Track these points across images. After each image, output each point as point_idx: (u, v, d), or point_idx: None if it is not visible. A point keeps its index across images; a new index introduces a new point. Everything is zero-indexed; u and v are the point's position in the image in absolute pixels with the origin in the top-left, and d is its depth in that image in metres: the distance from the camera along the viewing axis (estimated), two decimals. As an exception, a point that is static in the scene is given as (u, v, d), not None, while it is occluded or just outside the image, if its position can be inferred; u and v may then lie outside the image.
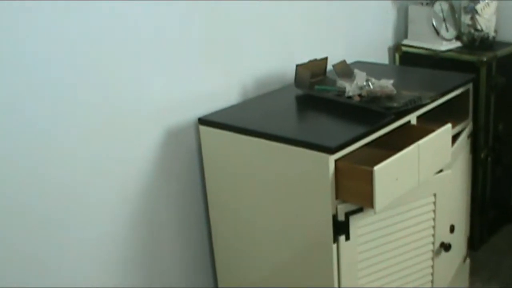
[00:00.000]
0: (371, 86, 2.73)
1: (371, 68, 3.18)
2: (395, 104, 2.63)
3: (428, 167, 2.55)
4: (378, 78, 2.77)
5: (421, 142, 2.47)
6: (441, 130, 2.58)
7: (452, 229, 2.86)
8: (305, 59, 2.97)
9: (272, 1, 2.99)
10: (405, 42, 3.69)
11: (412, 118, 2.69)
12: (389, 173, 2.32)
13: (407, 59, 3.65)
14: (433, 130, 2.56)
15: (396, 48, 3.69)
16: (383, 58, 3.69)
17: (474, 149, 3.40)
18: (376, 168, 2.26)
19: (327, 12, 3.29)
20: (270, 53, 3.04)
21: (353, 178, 2.34)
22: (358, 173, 2.32)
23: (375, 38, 3.63)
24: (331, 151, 2.32)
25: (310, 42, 3.22)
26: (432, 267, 2.79)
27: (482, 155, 3.48)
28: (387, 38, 3.71)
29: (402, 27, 3.75)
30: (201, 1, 2.69)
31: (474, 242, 3.58)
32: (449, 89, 2.92)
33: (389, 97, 2.69)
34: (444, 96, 2.88)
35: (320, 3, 3.23)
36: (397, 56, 3.69)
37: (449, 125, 2.63)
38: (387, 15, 3.69)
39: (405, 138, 2.56)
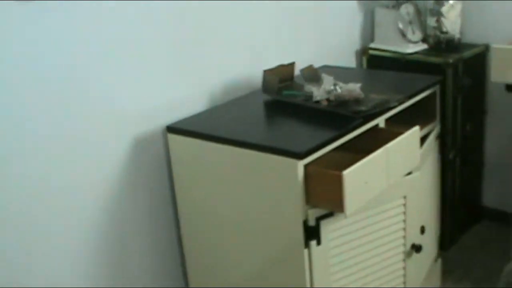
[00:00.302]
0: (339, 90, 2.74)
1: (339, 72, 3.18)
2: (363, 108, 2.64)
3: (397, 170, 2.56)
4: (346, 82, 2.79)
5: (389, 145, 2.48)
6: (409, 133, 2.59)
7: (422, 230, 2.87)
8: (273, 64, 2.96)
9: (240, 7, 2.99)
10: (372, 45, 3.71)
11: (381, 121, 2.70)
12: (358, 177, 2.33)
13: (375, 62, 3.66)
14: (401, 133, 2.58)
15: (363, 51, 3.70)
16: (350, 61, 3.70)
17: (443, 150, 3.42)
18: (345, 172, 2.27)
19: (294, 17, 3.30)
20: (238, 59, 3.04)
21: (323, 183, 2.34)
22: (327, 177, 2.33)
23: (342, 42, 3.64)
24: (300, 156, 2.32)
25: (277, 47, 3.22)
26: (404, 268, 2.81)
27: (451, 156, 3.50)
28: (354, 41, 3.72)
29: (369, 31, 3.76)
30: (167, 8, 2.68)
31: (445, 242, 3.60)
32: (416, 92, 2.94)
33: (357, 101, 2.70)
34: (412, 98, 2.90)
35: (287, 8, 3.24)
36: (364, 59, 3.70)
37: (417, 128, 2.64)
38: (354, 18, 3.70)
39: (374, 141, 2.57)
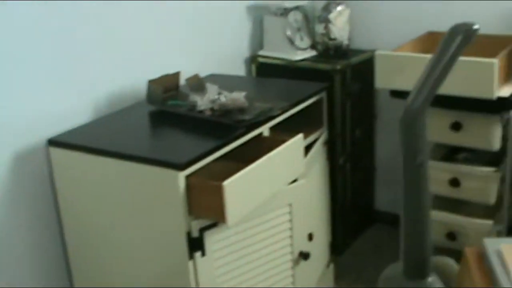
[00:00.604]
0: (223, 99, 2.73)
1: (227, 80, 3.18)
2: (246, 117, 2.63)
3: (281, 178, 2.57)
4: (234, 90, 2.78)
5: (272, 153, 2.48)
6: (292, 141, 2.60)
7: (310, 237, 2.89)
8: (158, 74, 2.94)
9: (123, 16, 2.95)
10: (261, 52, 3.71)
11: (265, 129, 2.70)
12: (240, 187, 2.33)
13: (264, 70, 3.67)
14: (284, 141, 2.58)
15: (252, 59, 3.70)
16: (240, 69, 3.70)
17: (333, 156, 3.45)
18: (225, 183, 2.26)
19: (181, 25, 3.27)
20: (122, 69, 3.00)
21: (205, 194, 2.33)
22: (209, 188, 2.31)
23: (231, 50, 3.63)
24: (180, 167, 2.30)
25: (164, 56, 3.19)
26: (293, 276, 2.82)
27: (341, 161, 3.53)
28: (243, 49, 3.71)
29: (258, 38, 3.76)
30: (49, 18, 2.62)
31: (338, 247, 3.63)
32: (302, 99, 2.96)
33: (241, 110, 2.70)
34: (297, 106, 2.92)
35: (173, 16, 3.21)
36: (253, 67, 3.69)
37: (300, 135, 2.66)
38: (243, 26, 3.69)
39: (258, 150, 2.56)
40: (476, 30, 1.55)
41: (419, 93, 1.54)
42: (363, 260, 3.69)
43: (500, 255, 1.58)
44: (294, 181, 2.73)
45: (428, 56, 2.84)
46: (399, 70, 2.92)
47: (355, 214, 3.79)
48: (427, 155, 1.59)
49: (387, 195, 3.94)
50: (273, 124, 2.76)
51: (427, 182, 1.61)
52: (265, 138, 2.69)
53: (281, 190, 2.61)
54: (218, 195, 2.28)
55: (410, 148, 1.57)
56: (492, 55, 2.85)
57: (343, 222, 3.66)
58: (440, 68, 1.53)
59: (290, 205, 2.70)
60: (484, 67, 2.77)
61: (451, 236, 3.19)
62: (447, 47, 1.53)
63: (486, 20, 3.40)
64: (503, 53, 2.91)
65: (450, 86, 2.81)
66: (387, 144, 3.85)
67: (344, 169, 3.60)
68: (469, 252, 1.93)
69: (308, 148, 3.00)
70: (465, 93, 2.84)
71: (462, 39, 1.53)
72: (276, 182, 2.52)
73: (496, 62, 2.75)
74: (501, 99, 2.83)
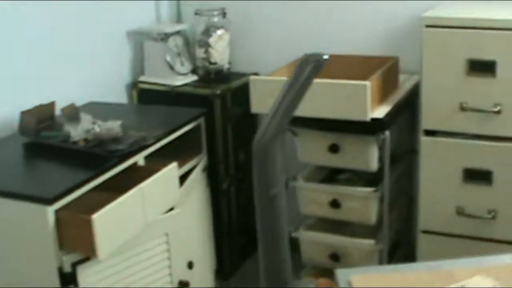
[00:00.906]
0: (97, 129, 2.69)
1: (106, 108, 3.14)
2: (120, 147, 2.60)
3: (155, 208, 2.54)
4: (113, 118, 2.74)
5: (143, 184, 2.46)
6: (165, 170, 2.58)
7: (190, 265, 2.86)
8: (34, 103, 2.86)
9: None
10: (142, 79, 3.66)
11: (139, 159, 2.67)
12: (111, 219, 2.29)
13: (146, 96, 3.62)
14: (157, 170, 2.56)
15: (133, 85, 3.65)
16: (121, 96, 3.64)
17: (216, 181, 3.43)
18: (94, 216, 2.22)
19: (55, 53, 3.18)
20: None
21: (75, 227, 2.29)
22: (78, 222, 2.27)
23: (111, 77, 3.57)
24: (48, 202, 2.25)
25: (38, 86, 3.09)
26: (174, 305, 2.79)
27: (225, 186, 3.52)
28: (124, 75, 3.66)
29: (139, 64, 3.72)
30: None
31: (225, 272, 3.61)
32: (178, 126, 2.93)
33: (116, 139, 2.66)
34: (173, 133, 2.89)
35: (47, 44, 3.13)
36: (134, 93, 3.64)
37: (174, 164, 2.64)
38: (123, 52, 3.64)
39: (132, 180, 2.53)
40: (326, 59, 1.56)
41: (269, 124, 1.54)
42: (251, 283, 3.67)
43: (350, 286, 1.59)
44: (171, 209, 2.69)
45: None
46: (273, 94, 2.92)
47: (242, 237, 3.77)
48: (281, 187, 1.58)
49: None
50: (149, 153, 2.73)
51: (282, 214, 1.60)
52: (140, 167, 2.66)
53: (157, 220, 2.58)
54: (87, 228, 2.24)
55: (262, 180, 1.55)
56: (368, 76, 2.89)
57: (229, 246, 3.64)
58: (290, 98, 1.53)
59: (166, 234, 2.68)
60: (356, 89, 2.81)
61: (335, 257, 3.21)
62: (297, 77, 1.54)
63: (362, 42, 3.48)
64: (376, 75, 2.95)
65: (325, 109, 2.87)
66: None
67: (229, 193, 3.59)
68: (323, 283, 1.95)
69: (188, 174, 2.98)
70: (340, 115, 2.88)
71: (313, 69, 1.54)
72: (150, 212, 2.50)
73: (368, 84, 2.79)
74: (375, 120, 2.86)
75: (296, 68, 1.54)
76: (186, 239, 2.83)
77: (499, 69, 2.72)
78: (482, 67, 2.75)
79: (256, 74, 3.59)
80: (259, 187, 1.55)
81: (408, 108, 3.24)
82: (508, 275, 1.65)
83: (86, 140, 2.68)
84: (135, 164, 2.65)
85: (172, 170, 2.61)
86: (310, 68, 1.53)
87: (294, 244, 3.26)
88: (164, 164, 2.61)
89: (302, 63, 1.54)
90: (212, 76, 3.61)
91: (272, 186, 1.54)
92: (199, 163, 3.12)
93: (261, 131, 1.54)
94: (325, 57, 1.55)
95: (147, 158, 2.73)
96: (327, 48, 3.48)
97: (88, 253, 2.33)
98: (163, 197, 2.58)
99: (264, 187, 1.54)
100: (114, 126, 2.69)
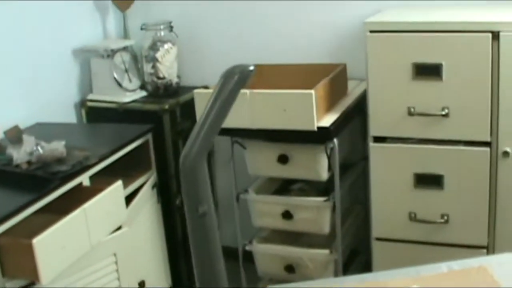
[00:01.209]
0: (41, 151, 2.63)
1: (53, 129, 3.09)
2: (63, 168, 2.55)
3: (100, 228, 2.50)
4: (60, 139, 2.69)
5: (87, 205, 2.41)
6: (110, 189, 2.54)
7: (142, 284, 2.82)
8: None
9: None
10: (90, 97, 3.60)
11: (84, 179, 2.62)
12: (53, 242, 2.25)
13: (95, 115, 3.56)
14: (101, 190, 2.51)
15: (82, 104, 3.59)
16: (70, 116, 3.58)
17: (169, 197, 3.39)
18: (35, 240, 2.18)
19: (1, 73, 3.12)
20: None
21: (17, 253, 2.24)
22: (19, 247, 2.22)
23: (59, 96, 3.50)
24: (-13, 228, 2.20)
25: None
26: (127, 325, 2.74)
27: (177, 202, 3.47)
28: (72, 94, 3.59)
29: (87, 82, 3.66)
30: None
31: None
32: (124, 143, 2.89)
33: (60, 160, 2.61)
34: (119, 151, 2.85)
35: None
36: (83, 112, 3.58)
37: (119, 183, 2.59)
38: (70, 70, 3.58)
39: (76, 201, 2.48)
40: (251, 71, 1.52)
41: (196, 139, 1.50)
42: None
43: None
44: (118, 228, 2.65)
45: (247, 91, 2.86)
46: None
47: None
48: (210, 205, 1.54)
49: (229, 230, 3.90)
50: (95, 172, 2.68)
51: (214, 232, 1.56)
52: (84, 188, 2.61)
53: (103, 240, 2.53)
54: (29, 253, 2.19)
55: (191, 198, 1.51)
56: (316, 84, 2.87)
57: (186, 262, 3.59)
58: (215, 112, 1.49)
59: (114, 254, 2.63)
60: (302, 99, 2.79)
61: (290, 268, 3.18)
62: (222, 89, 1.50)
63: (311, 50, 3.47)
64: (322, 83, 2.93)
65: (272, 120, 2.85)
66: (226, 180, 3.81)
67: (182, 210, 3.53)
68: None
69: (138, 192, 2.95)
70: (287, 125, 2.85)
71: (238, 80, 1.50)
72: (95, 233, 2.45)
73: (313, 93, 2.76)
74: (323, 129, 2.84)
75: (220, 80, 1.50)
76: (137, 258, 2.79)
77: (445, 72, 2.71)
78: (428, 71, 2.74)
79: (206, 87, 3.53)
80: (188, 204, 1.51)
81: (359, 114, 3.21)
82: (443, 283, 1.63)
83: (29, 162, 2.62)
84: (80, 184, 2.60)
85: (117, 189, 2.57)
86: (235, 79, 1.49)
87: (249, 258, 3.24)
88: (109, 183, 2.56)
89: (227, 75, 1.50)
90: (161, 91, 3.57)
91: (202, 203, 1.50)
92: (148, 180, 3.07)
93: (187, 147, 1.50)
94: (251, 68, 1.51)
95: (94, 177, 2.68)
96: (275, 57, 3.49)
97: (31, 279, 2.28)
98: (109, 217, 2.53)
99: (193, 204, 1.49)
100: (58, 146, 2.64)
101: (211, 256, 1.55)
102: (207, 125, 1.48)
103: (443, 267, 1.69)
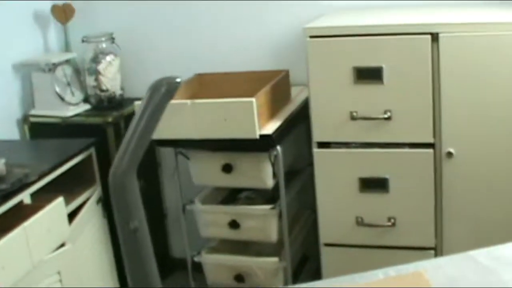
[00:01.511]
0: (-20, 169, 2.59)
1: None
2: (2, 186, 2.50)
3: (42, 247, 2.45)
4: (2, 156, 2.64)
5: (27, 223, 2.37)
6: (50, 206, 2.50)
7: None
8: None
9: None
10: (33, 112, 3.54)
11: (25, 196, 2.57)
12: (-8, 263, 2.19)
13: (38, 130, 3.49)
14: (42, 207, 2.47)
15: (24, 119, 3.52)
16: (13, 132, 3.50)
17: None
18: (-29, 262, 2.12)
19: None
20: None
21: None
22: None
23: (1, 112, 3.43)
24: None
25: None
26: None
27: (125, 215, 3.42)
28: (14, 110, 3.52)
29: (29, 97, 3.59)
30: None
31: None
32: (66, 159, 2.85)
33: (-1, 179, 2.56)
34: (60, 166, 2.80)
35: None
36: (26, 128, 3.52)
37: (60, 199, 2.56)
38: (11, 85, 3.51)
39: (17, 219, 2.44)
40: (179, 83, 1.49)
41: (124, 153, 1.46)
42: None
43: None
44: (62, 246, 2.60)
45: (188, 102, 2.84)
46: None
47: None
48: (142, 220, 1.51)
49: (181, 241, 3.86)
50: (37, 189, 2.64)
51: (147, 248, 1.53)
52: (25, 206, 2.56)
53: (46, 259, 2.48)
54: (-34, 276, 2.14)
55: (121, 213, 1.48)
56: (258, 92, 2.85)
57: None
58: (143, 125, 1.46)
59: (59, 272, 2.58)
60: (243, 107, 2.77)
61: (240, 278, 3.16)
62: (149, 102, 1.47)
63: (254, 58, 3.46)
64: (264, 90, 2.91)
65: (215, 130, 2.82)
66: (173, 191, 3.77)
67: (129, 223, 3.49)
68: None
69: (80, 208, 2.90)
70: (230, 134, 2.83)
71: (165, 92, 1.47)
72: (36, 252, 2.40)
73: (254, 101, 2.75)
74: (266, 137, 2.82)
75: (147, 93, 1.48)
76: (83, 275, 2.74)
77: (386, 75, 2.72)
78: (369, 74, 2.74)
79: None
80: (119, 220, 1.47)
81: (303, 121, 3.20)
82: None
83: (-33, 181, 2.57)
84: (21, 202, 2.55)
85: (58, 205, 2.53)
86: (162, 92, 1.46)
87: (199, 268, 3.21)
88: (49, 200, 2.52)
89: (154, 88, 1.47)
90: (105, 103, 3.53)
91: (133, 219, 1.47)
92: (92, 194, 3.03)
93: (116, 162, 1.47)
94: (178, 80, 1.49)
95: (36, 194, 2.63)
96: (218, 66, 3.47)
97: (-31, 302, 2.23)
98: (51, 234, 2.49)
99: (124, 219, 1.46)
100: (-3, 164, 2.60)
101: (145, 271, 1.52)
102: (135, 140, 1.45)
103: (379, 273, 1.67)
